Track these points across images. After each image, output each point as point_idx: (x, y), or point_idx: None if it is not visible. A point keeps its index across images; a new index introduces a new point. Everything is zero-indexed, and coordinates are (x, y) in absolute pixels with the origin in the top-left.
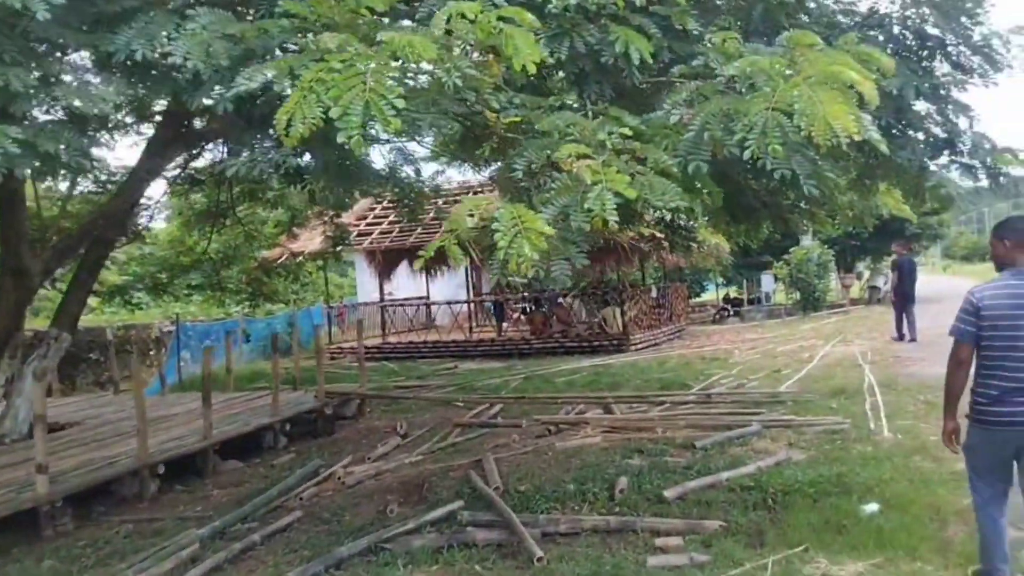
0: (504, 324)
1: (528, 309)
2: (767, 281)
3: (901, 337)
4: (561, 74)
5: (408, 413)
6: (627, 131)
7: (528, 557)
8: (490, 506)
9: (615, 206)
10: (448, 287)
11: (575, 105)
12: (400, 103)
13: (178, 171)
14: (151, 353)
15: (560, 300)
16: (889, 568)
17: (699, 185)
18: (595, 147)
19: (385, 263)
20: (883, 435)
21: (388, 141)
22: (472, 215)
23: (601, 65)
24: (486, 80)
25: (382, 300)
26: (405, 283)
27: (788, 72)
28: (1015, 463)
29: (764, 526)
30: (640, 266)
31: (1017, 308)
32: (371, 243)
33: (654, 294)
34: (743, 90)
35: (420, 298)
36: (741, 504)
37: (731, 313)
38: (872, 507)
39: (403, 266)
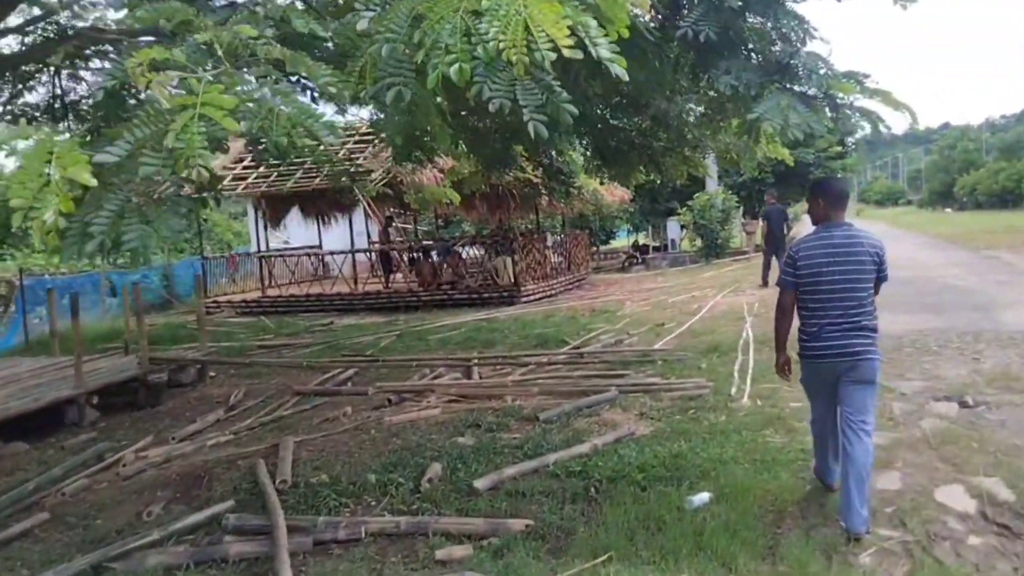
0: (395, 275)
1: (416, 259)
2: (673, 228)
3: (766, 284)
4: None
5: (257, 378)
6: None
7: None
8: (266, 505)
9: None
10: (346, 235)
11: None
12: None
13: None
14: None
15: (452, 249)
16: None
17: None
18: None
19: (271, 209)
20: (742, 401)
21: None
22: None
23: None
24: None
25: (261, 250)
26: (300, 232)
27: None
28: (838, 387)
29: (576, 525)
30: (535, 213)
31: (828, 257)
32: (245, 188)
33: (549, 243)
34: None
35: (311, 247)
36: (559, 495)
37: (639, 261)
38: (702, 498)
39: (295, 213)
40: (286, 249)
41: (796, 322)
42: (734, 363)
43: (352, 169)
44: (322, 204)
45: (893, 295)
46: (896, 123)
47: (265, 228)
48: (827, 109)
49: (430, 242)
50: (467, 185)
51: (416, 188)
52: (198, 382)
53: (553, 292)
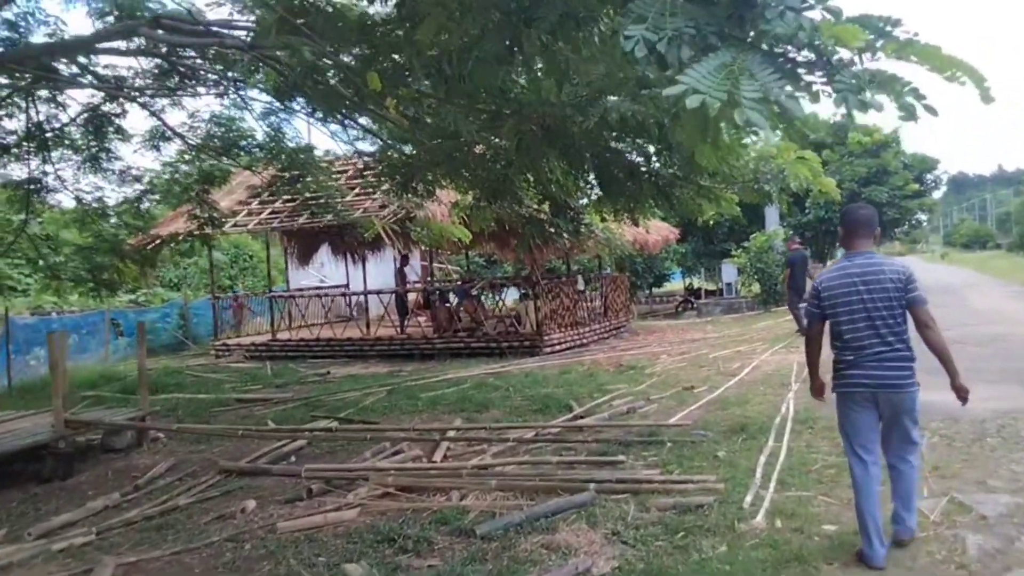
0: (412, 318)
1: (431, 302)
2: (728, 271)
3: (801, 328)
4: None
5: (202, 444)
6: None
7: None
8: None
9: None
10: (384, 274)
11: None
12: None
13: None
14: None
15: (468, 292)
16: None
17: None
18: None
19: (299, 246)
20: (756, 520)
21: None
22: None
23: None
24: None
25: (270, 290)
26: (338, 270)
27: None
28: (879, 422)
29: None
30: (564, 255)
31: (849, 287)
32: (257, 224)
33: (581, 286)
34: None
35: (337, 286)
36: None
37: (692, 306)
38: None
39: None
40: (304, 289)
41: None
42: (761, 452)
43: (342, 206)
44: (350, 241)
45: (972, 357)
46: (972, 154)
47: (268, 265)
48: (819, 76)
49: (446, 284)
50: (476, 222)
51: (423, 225)
52: (135, 447)
53: (583, 342)
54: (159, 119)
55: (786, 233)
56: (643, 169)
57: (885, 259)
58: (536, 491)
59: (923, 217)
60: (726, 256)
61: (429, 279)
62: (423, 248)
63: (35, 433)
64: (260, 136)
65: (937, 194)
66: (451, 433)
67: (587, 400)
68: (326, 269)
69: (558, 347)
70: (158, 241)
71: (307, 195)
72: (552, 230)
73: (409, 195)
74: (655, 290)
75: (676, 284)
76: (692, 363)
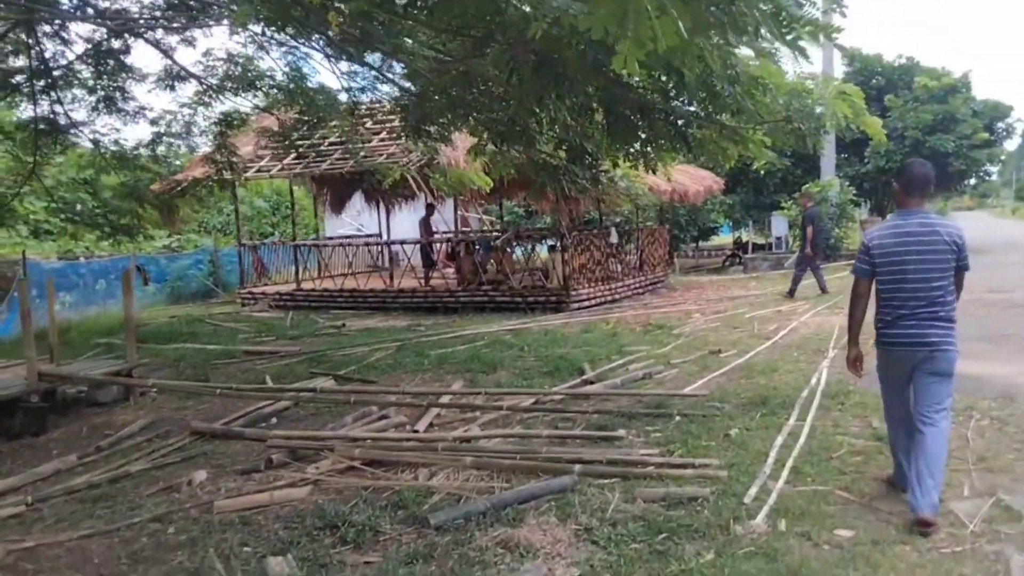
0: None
1: (456, 254)
2: (778, 224)
3: (793, 293)
4: None
5: (197, 399)
6: None
7: None
8: None
9: None
10: (416, 224)
11: None
12: None
13: None
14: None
15: (492, 244)
16: None
17: None
18: None
19: (332, 194)
20: (756, 520)
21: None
22: None
23: None
24: None
25: (294, 239)
26: (368, 218)
27: None
28: (912, 378)
29: None
30: (597, 206)
31: (900, 246)
32: (281, 171)
33: (614, 239)
34: None
35: (371, 235)
36: None
37: (739, 260)
38: None
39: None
40: (334, 238)
41: None
42: (780, 431)
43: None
44: (381, 189)
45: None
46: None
47: (302, 214)
48: None
49: (472, 235)
50: (496, 169)
51: (441, 171)
52: (120, 402)
53: (615, 298)
54: (169, 57)
55: (843, 184)
56: (657, 107)
57: (939, 220)
58: (514, 471)
59: (992, 169)
60: (776, 208)
61: (459, 230)
62: (459, 198)
63: (7, 386)
64: (280, 77)
65: (1010, 144)
66: (445, 399)
67: (603, 363)
68: (363, 217)
69: (587, 303)
70: (178, 187)
71: (330, 140)
72: (568, 177)
73: (423, 139)
74: (702, 244)
75: (726, 237)
76: (726, 323)
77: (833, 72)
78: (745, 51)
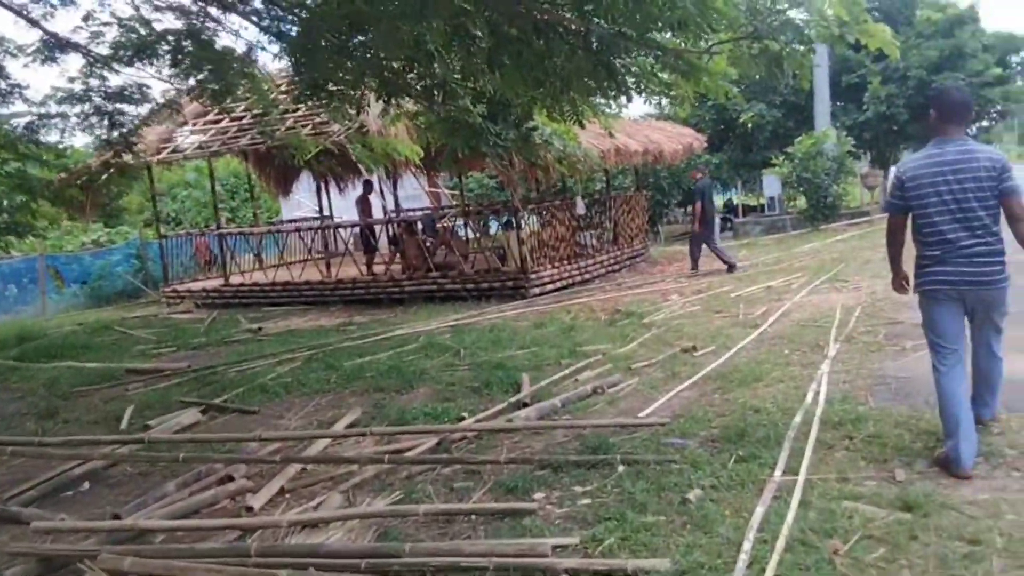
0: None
1: (397, 236)
2: (770, 183)
3: (696, 268)
4: None
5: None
6: None
7: None
8: None
9: None
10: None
11: None
12: None
13: None
14: None
15: (439, 224)
16: None
17: None
18: None
19: (274, 174)
20: None
21: None
22: None
23: None
24: None
25: (217, 225)
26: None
27: None
28: (966, 321)
29: None
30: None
31: (937, 176)
32: (198, 149)
33: (581, 210)
34: None
35: (318, 217)
36: None
37: (730, 225)
38: None
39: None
40: (276, 223)
41: None
42: (760, 496)
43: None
44: (331, 165)
45: None
46: None
47: (264, 196)
48: None
49: (416, 214)
50: (421, 136)
51: (360, 142)
52: None
53: (586, 277)
54: (36, 25)
55: (839, 135)
56: (564, 26)
57: (979, 146)
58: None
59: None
60: (767, 166)
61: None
62: (434, 173)
63: None
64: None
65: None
66: (319, 445)
67: (550, 370)
68: (325, 199)
69: (550, 286)
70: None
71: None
72: (487, 138)
73: (324, 100)
74: (691, 208)
75: (717, 199)
76: (707, 306)
77: None
78: None
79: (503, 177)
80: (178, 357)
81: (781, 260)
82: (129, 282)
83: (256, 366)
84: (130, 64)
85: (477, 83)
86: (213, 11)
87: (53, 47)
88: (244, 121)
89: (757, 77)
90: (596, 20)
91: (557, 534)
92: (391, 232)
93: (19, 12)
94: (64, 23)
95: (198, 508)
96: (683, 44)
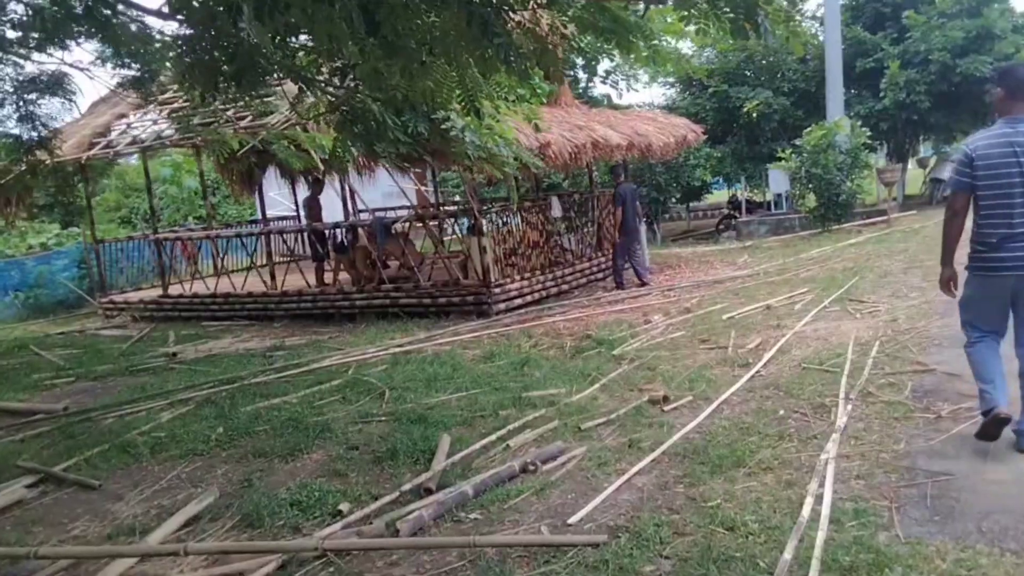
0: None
1: (344, 245)
2: (777, 179)
3: (621, 286)
4: None
5: None
6: None
7: None
8: None
9: None
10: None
11: None
12: None
13: None
14: None
15: (392, 228)
16: None
17: None
18: None
19: (236, 171)
20: None
21: None
22: None
23: None
24: None
25: (155, 230)
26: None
27: None
28: (1011, 310)
29: None
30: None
31: (1009, 156)
32: (133, 144)
33: (556, 213)
34: None
35: (287, 218)
36: None
37: (732, 225)
38: None
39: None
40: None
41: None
42: None
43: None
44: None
45: None
46: None
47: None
48: None
49: (367, 218)
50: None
51: (277, 136)
52: None
53: (562, 288)
54: None
55: (854, 126)
56: None
57: None
58: None
59: None
60: (773, 159)
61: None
62: (412, 171)
63: None
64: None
65: None
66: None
67: (483, 424)
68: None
69: (518, 300)
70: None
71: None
72: (386, 131)
73: (221, 83)
74: (694, 204)
75: (722, 194)
76: (692, 332)
77: None
78: None
79: (464, 175)
80: (71, 391)
81: (786, 268)
82: (71, 290)
83: (141, 408)
84: (41, 49)
85: (339, 51)
86: None
87: None
88: (182, 114)
89: (731, 42)
90: None
91: None
92: (338, 238)
93: None
94: None
95: None
96: None
